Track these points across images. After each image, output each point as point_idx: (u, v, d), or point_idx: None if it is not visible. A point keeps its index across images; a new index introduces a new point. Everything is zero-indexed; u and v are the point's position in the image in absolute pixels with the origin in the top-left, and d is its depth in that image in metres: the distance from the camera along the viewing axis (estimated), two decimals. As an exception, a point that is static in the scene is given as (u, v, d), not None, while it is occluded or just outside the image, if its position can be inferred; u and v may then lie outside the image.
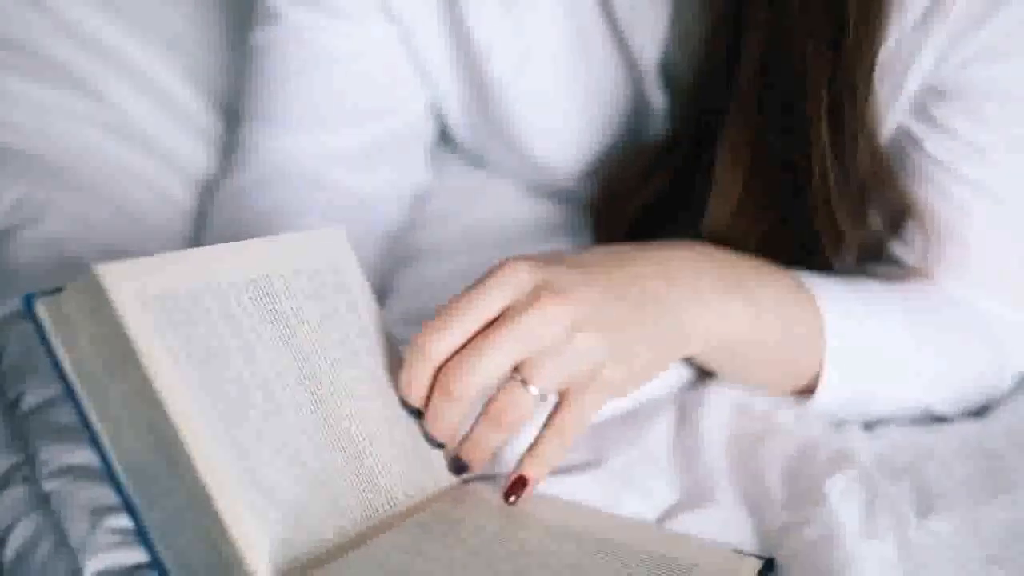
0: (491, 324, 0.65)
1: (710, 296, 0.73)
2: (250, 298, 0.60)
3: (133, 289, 0.54)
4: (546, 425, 0.68)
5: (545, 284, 0.66)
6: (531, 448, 0.68)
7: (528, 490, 0.68)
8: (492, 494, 0.69)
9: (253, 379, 0.59)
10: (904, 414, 0.83)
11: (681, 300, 0.72)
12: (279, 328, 0.62)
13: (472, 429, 0.67)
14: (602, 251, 0.74)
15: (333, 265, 0.67)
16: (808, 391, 0.81)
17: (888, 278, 0.85)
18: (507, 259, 0.67)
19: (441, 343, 0.64)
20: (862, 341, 0.80)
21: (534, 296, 0.65)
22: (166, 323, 0.55)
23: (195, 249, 0.60)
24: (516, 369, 0.65)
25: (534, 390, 0.65)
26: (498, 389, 0.66)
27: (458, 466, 0.68)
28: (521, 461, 0.68)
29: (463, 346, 0.65)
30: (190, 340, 0.56)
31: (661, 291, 0.71)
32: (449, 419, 0.66)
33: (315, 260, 0.66)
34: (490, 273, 0.66)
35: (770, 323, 0.76)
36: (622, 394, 0.70)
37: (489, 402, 0.66)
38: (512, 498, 0.67)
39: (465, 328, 0.65)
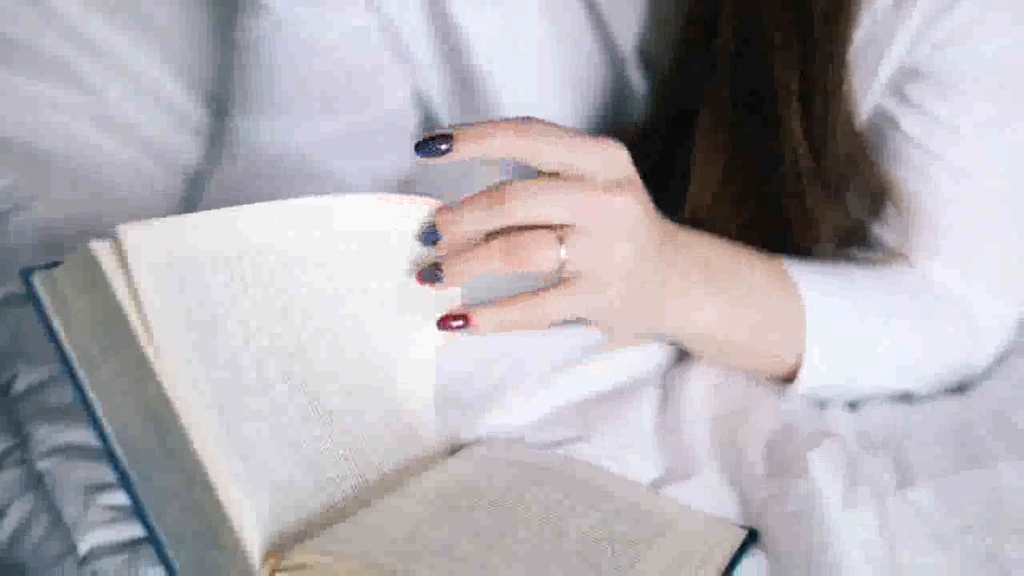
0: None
1: (687, 295, 0.74)
2: (245, 271, 0.60)
3: (126, 262, 0.55)
4: (526, 294, 0.66)
5: (632, 183, 0.65)
6: (496, 304, 0.66)
7: (459, 332, 0.65)
8: (480, 459, 0.69)
9: (246, 351, 0.59)
10: (887, 394, 0.85)
11: (683, 278, 0.73)
12: (278, 302, 0.61)
13: (487, 235, 0.64)
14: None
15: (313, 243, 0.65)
16: (790, 377, 0.82)
17: (868, 263, 0.86)
18: (611, 138, 0.66)
19: (519, 142, 0.63)
20: (842, 328, 0.81)
21: (619, 185, 0.64)
22: (160, 295, 0.55)
23: (191, 216, 0.59)
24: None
25: (563, 253, 0.63)
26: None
27: (431, 274, 0.65)
28: (476, 307, 0.66)
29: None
30: (184, 312, 0.56)
31: (678, 260, 0.72)
32: (472, 222, 0.63)
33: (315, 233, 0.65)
34: (593, 137, 0.65)
35: (746, 315, 0.77)
36: (592, 321, 0.69)
37: (516, 233, 0.64)
38: (443, 326, 0.65)
39: (548, 158, 0.63)
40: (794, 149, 0.79)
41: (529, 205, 0.62)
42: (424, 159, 0.63)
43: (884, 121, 0.83)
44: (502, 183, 0.63)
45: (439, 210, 0.65)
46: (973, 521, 0.71)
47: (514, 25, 0.93)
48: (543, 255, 0.63)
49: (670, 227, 0.73)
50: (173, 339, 0.55)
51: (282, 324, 0.61)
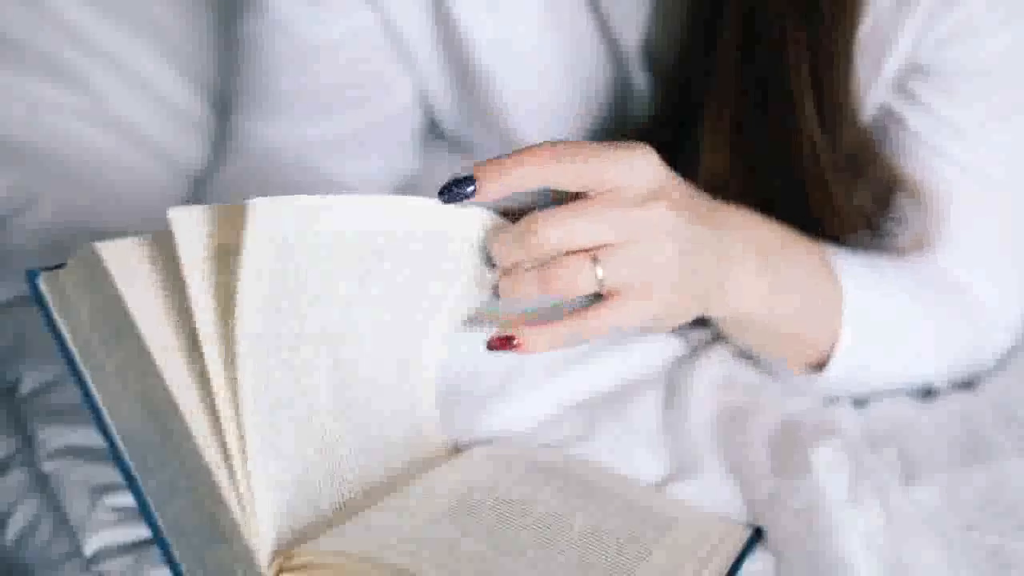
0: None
1: (742, 271, 0.72)
2: (255, 269, 0.59)
3: (130, 264, 0.55)
4: (574, 312, 0.64)
5: (664, 190, 0.64)
6: (546, 324, 0.64)
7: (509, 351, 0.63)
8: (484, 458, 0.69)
9: (249, 351, 0.58)
10: (903, 388, 0.85)
11: (725, 267, 0.71)
12: (273, 298, 0.60)
13: (522, 265, 0.63)
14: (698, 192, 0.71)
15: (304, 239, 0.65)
16: (815, 364, 0.81)
17: (887, 252, 0.85)
18: (637, 143, 0.65)
19: (546, 169, 0.61)
20: (877, 317, 0.81)
21: (652, 195, 0.64)
22: (162, 297, 0.56)
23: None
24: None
25: (600, 272, 0.62)
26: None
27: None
28: (524, 327, 0.64)
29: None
30: (186, 312, 0.56)
31: (725, 246, 0.70)
32: (506, 256, 0.63)
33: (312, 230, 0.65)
34: (619, 147, 0.64)
35: (790, 297, 0.76)
36: (645, 326, 0.67)
37: (552, 260, 0.63)
38: (492, 347, 0.63)
39: (578, 179, 0.62)
40: (810, 137, 0.78)
41: (560, 233, 0.62)
42: (452, 201, 0.62)
43: (889, 118, 0.83)
44: (530, 217, 0.62)
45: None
46: (977, 517, 0.71)
47: (516, 23, 0.93)
48: (580, 279, 0.62)
49: (721, 209, 0.71)
50: (176, 335, 0.55)
51: (327, 313, 0.61)
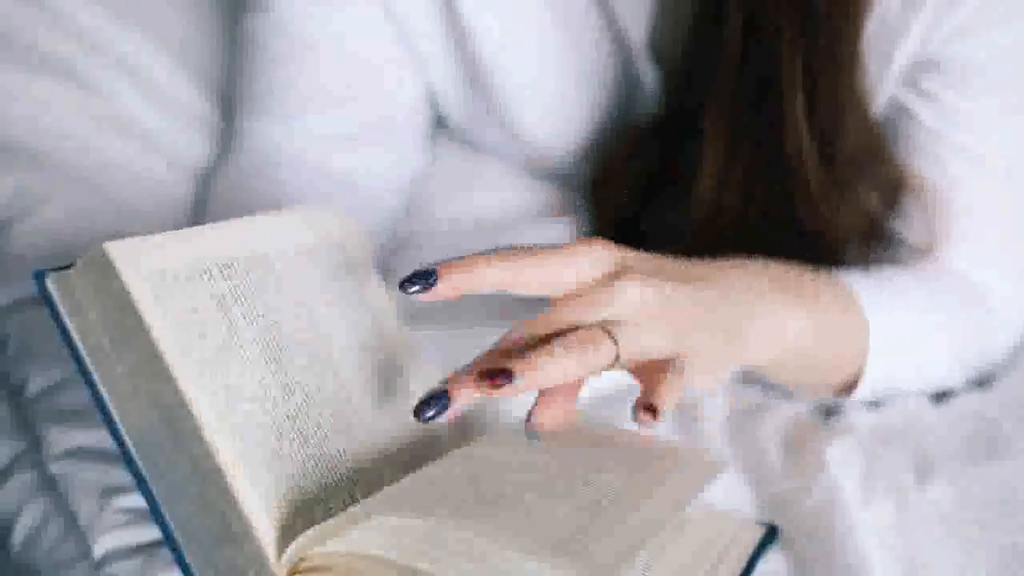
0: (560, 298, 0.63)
1: (772, 309, 0.71)
2: (258, 274, 0.61)
3: (141, 264, 0.55)
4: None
5: (626, 267, 0.64)
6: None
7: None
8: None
9: (260, 354, 0.59)
10: (923, 393, 0.84)
11: (744, 316, 0.69)
12: (287, 304, 0.62)
13: (538, 350, 0.60)
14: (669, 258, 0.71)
15: (339, 242, 0.67)
16: (843, 388, 0.81)
17: (895, 262, 0.85)
18: (590, 238, 0.65)
19: (509, 269, 0.61)
20: (898, 333, 0.80)
21: (615, 275, 0.63)
22: (173, 298, 0.56)
23: (200, 227, 0.61)
24: None
25: (613, 343, 0.61)
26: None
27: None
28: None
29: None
30: (197, 315, 0.57)
31: (723, 307, 0.68)
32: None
33: (320, 236, 0.66)
34: (575, 244, 0.64)
35: (825, 329, 0.75)
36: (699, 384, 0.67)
37: (559, 334, 0.61)
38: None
39: (542, 275, 0.62)
40: (798, 142, 0.78)
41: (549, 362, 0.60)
42: (411, 294, 0.61)
43: (899, 112, 0.83)
44: (502, 338, 0.61)
45: (453, 375, 0.60)
46: (992, 515, 0.71)
47: (521, 17, 0.92)
48: (598, 347, 0.61)
49: (699, 266, 0.70)
50: (183, 338, 0.56)
51: (291, 327, 0.62)
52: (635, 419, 0.60)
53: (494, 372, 0.58)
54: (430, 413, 0.59)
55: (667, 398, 0.60)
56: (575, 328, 0.61)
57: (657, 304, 0.63)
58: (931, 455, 0.75)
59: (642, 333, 0.62)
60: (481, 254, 0.61)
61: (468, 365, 0.61)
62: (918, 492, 0.71)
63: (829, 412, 0.81)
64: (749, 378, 0.81)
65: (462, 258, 0.61)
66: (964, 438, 0.78)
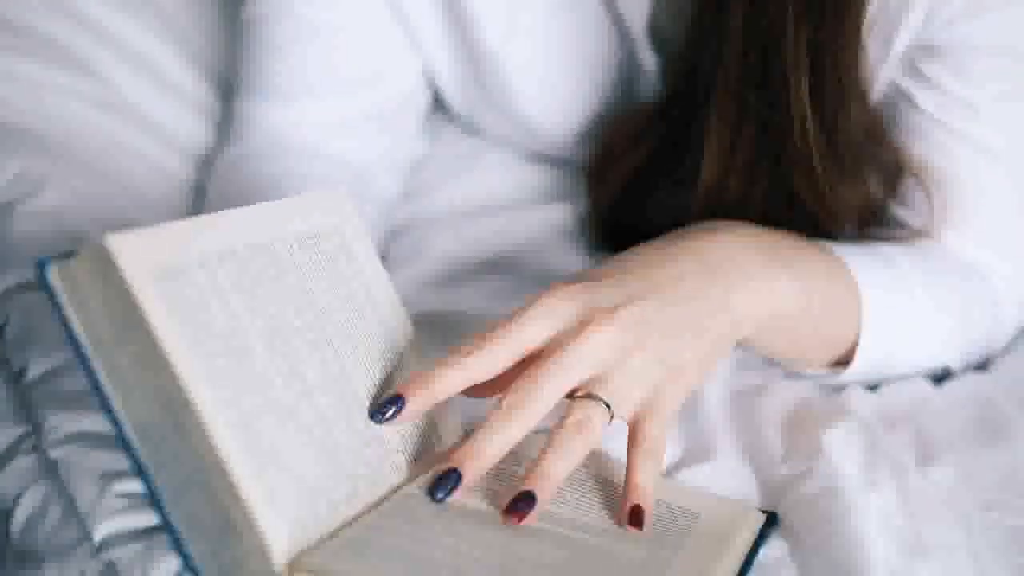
0: (534, 357, 0.64)
1: (757, 274, 0.72)
2: (258, 263, 0.61)
3: (142, 257, 0.55)
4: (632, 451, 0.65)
5: (588, 312, 0.65)
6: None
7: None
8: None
9: (262, 345, 0.59)
10: (920, 373, 0.84)
11: (728, 288, 0.70)
12: (288, 293, 0.62)
13: (539, 460, 0.62)
14: (639, 254, 0.72)
15: (337, 228, 0.67)
16: (839, 362, 0.81)
17: (892, 241, 0.85)
18: (546, 291, 0.65)
19: (473, 370, 0.62)
20: (893, 307, 0.80)
21: (580, 325, 0.64)
22: (175, 290, 0.56)
23: (201, 216, 0.60)
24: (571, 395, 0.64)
25: (604, 405, 0.64)
26: (567, 408, 0.64)
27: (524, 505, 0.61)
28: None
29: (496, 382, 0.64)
30: (198, 306, 0.56)
31: (705, 284, 0.70)
32: (493, 455, 0.62)
33: (318, 223, 0.66)
34: (530, 304, 0.65)
35: (815, 294, 0.76)
36: (675, 405, 0.68)
37: (556, 426, 0.63)
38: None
39: (505, 359, 0.63)
40: (803, 125, 0.78)
41: (538, 405, 0.62)
42: (387, 420, 0.63)
43: (900, 97, 0.83)
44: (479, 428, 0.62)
45: (454, 455, 0.62)
46: (995, 497, 0.70)
47: (524, 3, 0.92)
48: (593, 418, 0.63)
49: (671, 245, 0.72)
50: (186, 331, 0.55)
51: (295, 318, 0.62)
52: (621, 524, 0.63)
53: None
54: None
55: (647, 491, 0.63)
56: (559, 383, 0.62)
57: (633, 340, 0.65)
58: (933, 438, 0.75)
59: (628, 382, 0.64)
60: (438, 365, 0.63)
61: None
62: (920, 474, 0.71)
63: (830, 395, 0.80)
64: (748, 364, 0.81)
65: (421, 373, 0.63)
66: (966, 421, 0.78)
